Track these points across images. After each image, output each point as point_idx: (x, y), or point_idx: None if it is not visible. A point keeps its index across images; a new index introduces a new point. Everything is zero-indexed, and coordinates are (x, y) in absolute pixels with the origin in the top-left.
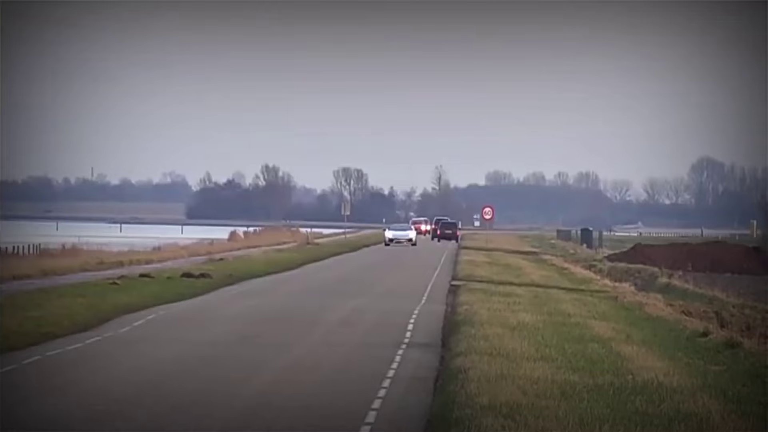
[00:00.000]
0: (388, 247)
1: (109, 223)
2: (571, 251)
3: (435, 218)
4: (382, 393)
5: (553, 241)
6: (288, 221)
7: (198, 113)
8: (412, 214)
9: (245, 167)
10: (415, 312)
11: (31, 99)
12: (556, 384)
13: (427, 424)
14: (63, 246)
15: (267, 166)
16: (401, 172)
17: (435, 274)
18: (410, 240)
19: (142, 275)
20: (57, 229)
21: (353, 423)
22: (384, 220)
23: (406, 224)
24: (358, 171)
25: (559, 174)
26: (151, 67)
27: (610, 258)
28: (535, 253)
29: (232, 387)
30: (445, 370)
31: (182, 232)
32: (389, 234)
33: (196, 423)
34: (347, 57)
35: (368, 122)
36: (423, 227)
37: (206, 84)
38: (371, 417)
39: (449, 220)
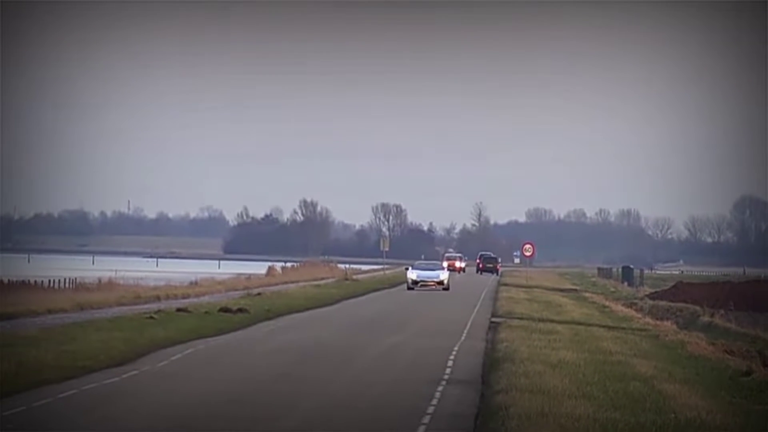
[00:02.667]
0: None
1: (146, 257)
2: (612, 289)
3: (479, 253)
4: (421, 429)
5: (593, 279)
6: (326, 257)
7: (236, 148)
8: (450, 250)
9: (283, 202)
10: (455, 349)
11: (67, 132)
12: (598, 422)
13: None
14: (99, 280)
15: (305, 201)
16: (441, 207)
17: (474, 311)
18: (441, 283)
19: (179, 309)
20: (93, 263)
21: None
22: (423, 257)
23: (435, 262)
24: (397, 206)
25: (600, 211)
26: (187, 101)
27: (651, 296)
28: (575, 290)
29: (267, 426)
30: (485, 407)
31: (219, 267)
32: (413, 275)
33: None
34: (387, 93)
35: (408, 157)
36: (458, 264)
37: (244, 119)
38: None
39: (492, 255)
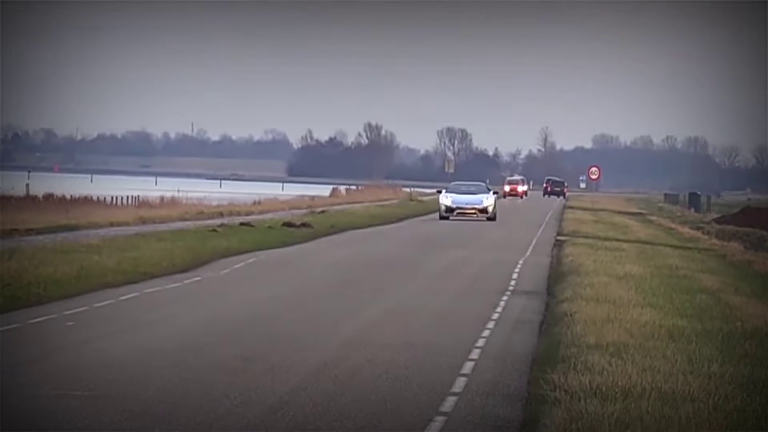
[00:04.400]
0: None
1: (209, 179)
2: (678, 214)
3: (546, 178)
4: (486, 333)
5: (660, 205)
6: (390, 180)
7: (300, 71)
8: (516, 175)
9: (348, 125)
10: (520, 262)
11: (133, 53)
12: (664, 328)
13: (533, 360)
14: (162, 198)
15: (370, 125)
16: (506, 133)
17: (540, 231)
18: (483, 210)
19: (242, 224)
20: (156, 183)
21: (456, 360)
22: (488, 181)
23: (479, 183)
24: (463, 131)
25: (667, 138)
26: (252, 25)
27: (718, 221)
28: (641, 214)
29: (331, 324)
30: (550, 314)
31: (283, 189)
32: (446, 200)
33: (297, 354)
34: (452, 20)
35: (474, 82)
36: (520, 188)
37: (308, 41)
38: (475, 354)
39: (558, 179)
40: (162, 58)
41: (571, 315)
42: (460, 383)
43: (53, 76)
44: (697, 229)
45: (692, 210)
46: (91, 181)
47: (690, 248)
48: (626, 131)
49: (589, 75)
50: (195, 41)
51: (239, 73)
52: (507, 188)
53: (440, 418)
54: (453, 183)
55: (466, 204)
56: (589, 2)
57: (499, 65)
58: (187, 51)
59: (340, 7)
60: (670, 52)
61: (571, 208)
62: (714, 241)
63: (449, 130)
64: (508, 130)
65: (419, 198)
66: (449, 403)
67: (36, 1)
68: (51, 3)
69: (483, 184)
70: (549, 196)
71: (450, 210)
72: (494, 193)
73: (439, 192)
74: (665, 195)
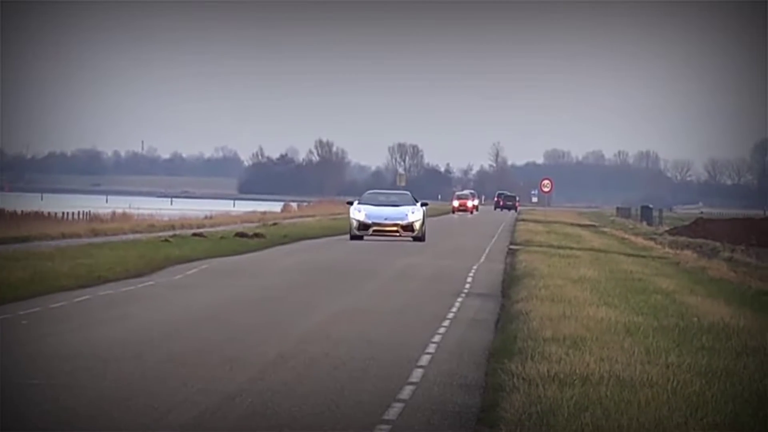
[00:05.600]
0: (445, 217)
1: (160, 196)
2: (631, 226)
3: (497, 192)
4: (442, 330)
5: (612, 218)
6: (342, 197)
7: (251, 88)
8: (465, 189)
9: (299, 142)
10: (474, 268)
11: (83, 71)
12: (621, 323)
13: (489, 354)
14: (113, 213)
15: (321, 141)
16: (458, 149)
17: (492, 241)
18: (408, 228)
19: (194, 234)
20: (107, 201)
21: (413, 353)
22: (439, 197)
23: (404, 193)
24: (414, 147)
25: (619, 153)
26: (202, 42)
27: (670, 232)
28: (594, 226)
29: (287, 322)
30: (505, 313)
31: (234, 206)
32: (359, 214)
33: (252, 349)
34: (401, 34)
35: (424, 99)
36: (470, 203)
37: (259, 59)
38: (431, 348)
39: (510, 193)
40: (111, 75)
41: (526, 313)
42: (417, 374)
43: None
44: (650, 239)
45: (644, 223)
46: (41, 199)
47: (644, 256)
48: (578, 146)
49: (541, 90)
50: (144, 58)
51: (189, 90)
52: (456, 203)
53: (398, 405)
54: (368, 192)
55: (386, 219)
56: (540, 17)
57: (449, 81)
58: (136, 68)
59: (290, 24)
60: (621, 66)
61: (524, 220)
62: (667, 249)
63: (400, 146)
64: (459, 146)
65: None
66: (407, 391)
67: None
68: None
69: (408, 193)
70: (502, 210)
71: (364, 227)
72: (423, 204)
73: (350, 204)
74: (617, 209)
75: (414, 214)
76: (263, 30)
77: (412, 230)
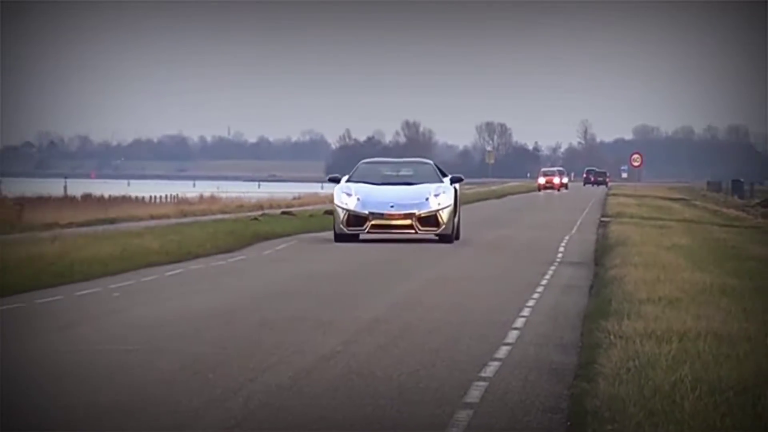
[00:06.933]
0: (532, 194)
1: (247, 180)
2: (722, 200)
3: (586, 168)
4: (536, 296)
5: (703, 192)
6: None
7: (337, 71)
8: (553, 166)
9: (385, 124)
10: (566, 238)
11: (168, 58)
12: (716, 286)
13: (584, 317)
14: (201, 195)
15: (408, 123)
16: (546, 127)
17: (583, 214)
18: (430, 219)
19: (283, 212)
20: (194, 186)
21: (508, 317)
22: (528, 174)
23: (425, 161)
24: (502, 125)
25: (709, 128)
26: (288, 27)
27: (762, 204)
28: (685, 200)
29: (379, 290)
30: (599, 279)
31: (322, 188)
32: (350, 200)
33: (346, 314)
34: (489, 11)
35: (512, 76)
36: (556, 180)
37: (345, 42)
38: (526, 312)
39: (600, 170)
40: (197, 61)
41: (621, 278)
42: (512, 335)
43: (88, 82)
44: (742, 211)
45: (736, 196)
46: (128, 185)
47: (736, 226)
48: (667, 121)
49: (630, 66)
50: (230, 44)
51: (276, 74)
52: (542, 180)
53: (495, 363)
54: (364, 161)
55: (392, 207)
56: None
57: (538, 59)
58: (222, 53)
59: (376, 8)
60: (712, 42)
61: (614, 195)
62: (760, 220)
63: (488, 124)
64: (547, 123)
65: None
66: (503, 351)
67: (68, 5)
68: (82, 8)
69: (429, 162)
70: (594, 185)
71: (357, 221)
72: (454, 180)
73: (334, 181)
74: (708, 183)
75: (439, 197)
76: (348, 12)
77: (437, 224)
